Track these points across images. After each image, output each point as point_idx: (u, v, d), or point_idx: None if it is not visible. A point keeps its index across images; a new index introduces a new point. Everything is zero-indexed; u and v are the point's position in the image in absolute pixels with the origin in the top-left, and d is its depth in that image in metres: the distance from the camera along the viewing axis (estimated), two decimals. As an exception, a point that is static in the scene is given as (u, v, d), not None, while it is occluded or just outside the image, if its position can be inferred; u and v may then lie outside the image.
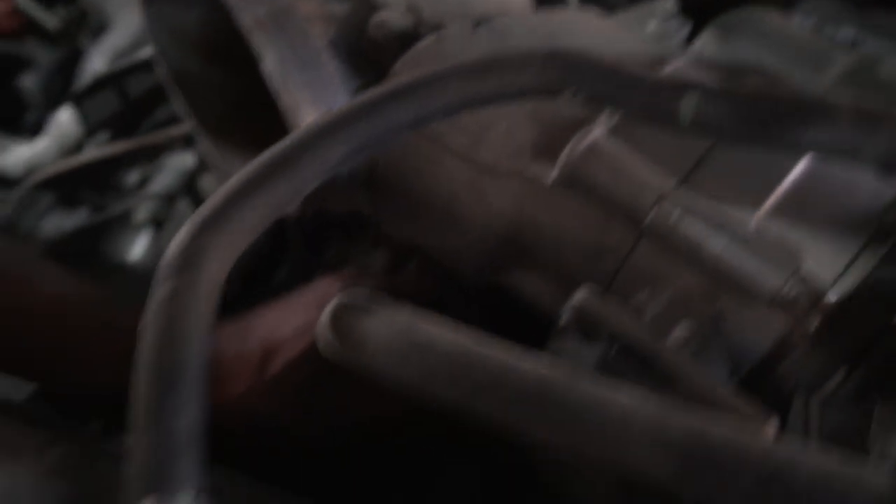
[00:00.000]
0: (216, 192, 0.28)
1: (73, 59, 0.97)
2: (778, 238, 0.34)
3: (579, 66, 0.31)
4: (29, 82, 0.99)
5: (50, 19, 0.94)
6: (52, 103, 1.00)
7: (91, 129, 0.76)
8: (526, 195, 0.40)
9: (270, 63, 0.37)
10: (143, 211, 0.84)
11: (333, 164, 0.29)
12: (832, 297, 0.33)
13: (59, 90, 1.00)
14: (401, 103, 0.31)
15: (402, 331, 0.24)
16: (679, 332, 0.34)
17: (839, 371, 0.32)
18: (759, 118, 0.29)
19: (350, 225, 0.59)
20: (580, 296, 0.34)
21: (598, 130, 0.38)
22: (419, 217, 0.46)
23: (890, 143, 0.27)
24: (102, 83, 0.72)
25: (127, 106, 0.73)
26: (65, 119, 0.79)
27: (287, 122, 0.39)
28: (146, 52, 0.73)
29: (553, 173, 0.38)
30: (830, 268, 0.34)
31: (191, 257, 0.26)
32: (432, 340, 0.24)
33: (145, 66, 0.72)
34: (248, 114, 0.51)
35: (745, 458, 0.23)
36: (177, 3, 0.48)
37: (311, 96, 0.38)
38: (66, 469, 0.35)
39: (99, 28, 0.97)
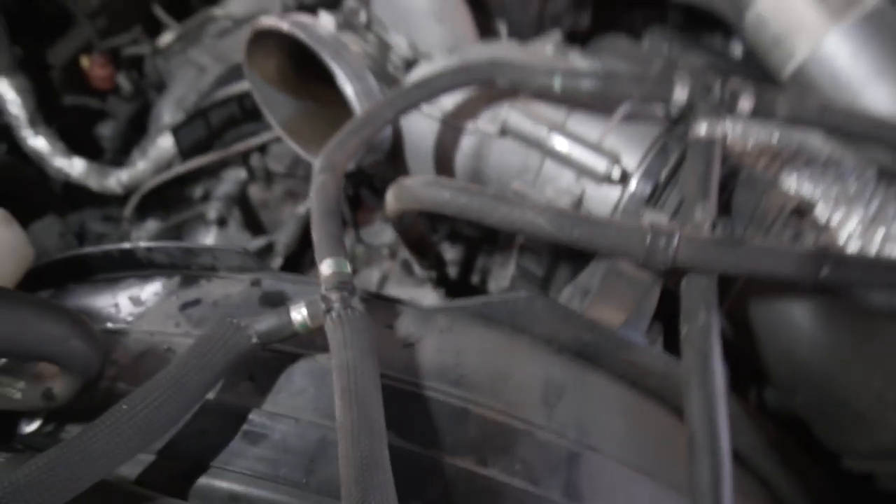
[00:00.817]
0: (337, 134, 0.60)
1: (143, 111, 1.28)
2: (612, 146, 0.68)
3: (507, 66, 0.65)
4: (106, 131, 1.30)
5: (125, 83, 1.25)
6: (125, 147, 1.30)
7: (183, 151, 1.07)
8: (482, 143, 0.73)
9: (349, 90, 0.70)
10: (212, 210, 1.15)
11: (388, 120, 0.62)
12: (635, 177, 0.66)
13: (130, 137, 1.31)
14: (412, 92, 0.64)
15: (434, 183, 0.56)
16: (563, 200, 0.67)
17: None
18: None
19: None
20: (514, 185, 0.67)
21: (521, 96, 0.71)
22: (418, 170, 0.78)
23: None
24: (194, 116, 1.03)
25: (210, 132, 1.04)
26: (163, 144, 1.10)
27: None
28: (223, 92, 1.05)
29: (496, 126, 0.71)
30: (635, 158, 0.67)
31: (329, 163, 0.58)
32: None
33: (224, 103, 1.03)
34: (310, 119, 0.84)
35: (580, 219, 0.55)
36: (265, 55, 0.81)
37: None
38: (261, 280, 0.65)
39: (160, 84, 1.28)
